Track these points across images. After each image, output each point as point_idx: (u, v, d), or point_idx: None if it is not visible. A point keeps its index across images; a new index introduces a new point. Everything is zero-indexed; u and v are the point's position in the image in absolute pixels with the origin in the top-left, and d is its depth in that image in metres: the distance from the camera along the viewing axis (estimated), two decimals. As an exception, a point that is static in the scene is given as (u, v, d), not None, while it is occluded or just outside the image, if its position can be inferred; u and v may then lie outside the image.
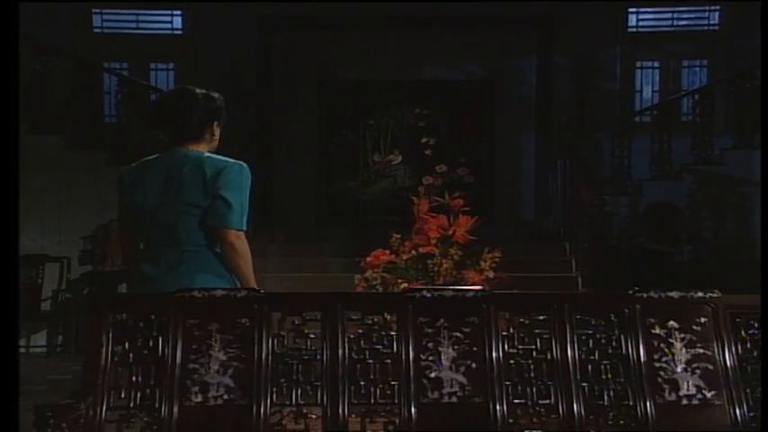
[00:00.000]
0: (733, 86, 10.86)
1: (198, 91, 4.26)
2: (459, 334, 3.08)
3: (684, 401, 3.03)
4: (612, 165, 11.00)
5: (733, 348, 3.08)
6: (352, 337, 3.06)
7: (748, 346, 3.09)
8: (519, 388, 3.04)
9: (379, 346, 3.06)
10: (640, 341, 3.08)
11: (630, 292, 3.11)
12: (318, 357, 3.03)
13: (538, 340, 3.09)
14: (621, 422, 3.00)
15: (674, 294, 3.10)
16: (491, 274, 6.22)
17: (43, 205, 10.07)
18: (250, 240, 4.25)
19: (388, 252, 6.23)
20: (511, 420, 2.99)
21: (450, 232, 6.18)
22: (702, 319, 3.10)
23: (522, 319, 3.11)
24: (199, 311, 3.02)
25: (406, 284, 5.95)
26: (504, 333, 3.08)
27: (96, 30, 12.78)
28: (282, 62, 12.81)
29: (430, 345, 3.07)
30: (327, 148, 13.02)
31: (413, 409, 2.98)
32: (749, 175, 10.35)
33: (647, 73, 13.22)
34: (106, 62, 12.35)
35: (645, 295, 3.10)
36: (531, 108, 12.96)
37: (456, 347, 3.07)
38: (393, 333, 3.06)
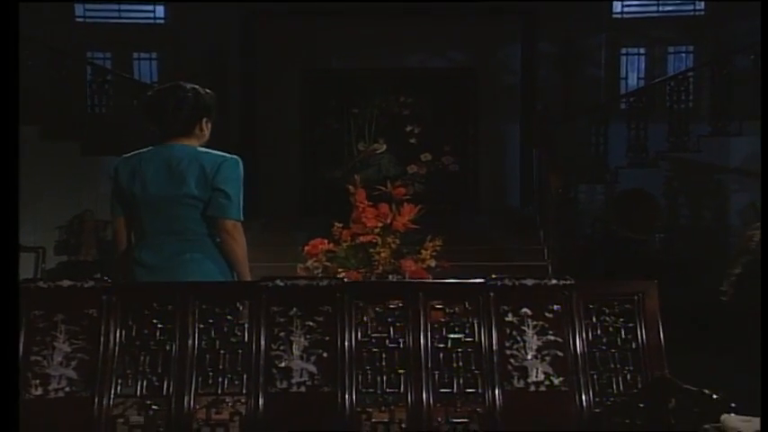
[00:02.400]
0: (710, 73, 10.71)
1: (188, 87, 4.35)
2: (311, 323, 3.06)
3: (532, 388, 3.02)
4: (589, 152, 10.89)
5: (584, 335, 3.06)
6: (202, 326, 3.04)
7: (599, 332, 3.08)
8: (369, 377, 3.02)
9: (230, 336, 3.05)
10: (493, 328, 3.06)
11: (483, 279, 3.09)
12: (167, 348, 3.02)
13: (391, 329, 3.07)
14: (469, 410, 2.98)
15: (529, 281, 3.08)
16: (432, 263, 6.15)
17: (18, 195, 10.03)
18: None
19: (326, 241, 6.18)
20: (359, 409, 2.98)
21: (389, 221, 6.12)
22: (555, 306, 3.08)
23: (376, 308, 3.08)
24: (44, 302, 3.01)
25: (344, 273, 5.91)
26: (356, 321, 3.06)
27: (79, 19, 12.77)
28: (266, 51, 12.75)
29: (282, 334, 3.05)
30: (311, 137, 12.97)
31: (260, 399, 2.97)
32: (726, 162, 10.26)
33: (632, 60, 13.08)
34: (89, 52, 12.35)
35: (499, 283, 3.08)
36: (516, 96, 12.86)
37: (308, 337, 3.06)
38: (243, 322, 3.05)
